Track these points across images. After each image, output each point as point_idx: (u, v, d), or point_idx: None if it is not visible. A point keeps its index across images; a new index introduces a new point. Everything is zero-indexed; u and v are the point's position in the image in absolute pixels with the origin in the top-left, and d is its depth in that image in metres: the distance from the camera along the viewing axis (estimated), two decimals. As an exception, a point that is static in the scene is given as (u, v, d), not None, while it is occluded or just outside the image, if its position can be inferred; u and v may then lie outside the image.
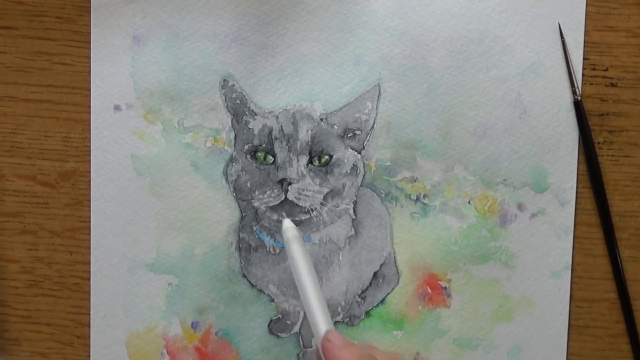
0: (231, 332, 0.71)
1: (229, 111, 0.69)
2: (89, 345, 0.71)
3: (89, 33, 0.69)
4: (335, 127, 0.68)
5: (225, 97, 0.69)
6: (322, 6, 0.67)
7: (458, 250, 0.69)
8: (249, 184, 0.69)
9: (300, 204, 0.69)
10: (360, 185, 0.69)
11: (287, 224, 0.67)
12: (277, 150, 0.68)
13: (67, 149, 0.70)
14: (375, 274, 0.70)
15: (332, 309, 0.69)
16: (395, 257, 0.69)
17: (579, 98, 0.66)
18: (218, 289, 0.70)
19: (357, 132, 0.68)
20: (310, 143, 0.68)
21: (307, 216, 0.69)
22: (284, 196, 0.68)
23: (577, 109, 0.67)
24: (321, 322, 0.62)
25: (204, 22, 0.68)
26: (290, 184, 0.68)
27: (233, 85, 0.68)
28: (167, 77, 0.69)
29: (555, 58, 0.67)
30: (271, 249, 0.70)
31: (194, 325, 0.71)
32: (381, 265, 0.70)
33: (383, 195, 0.69)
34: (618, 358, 0.70)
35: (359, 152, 0.68)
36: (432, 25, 0.67)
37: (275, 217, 0.69)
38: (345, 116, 0.68)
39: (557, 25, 0.67)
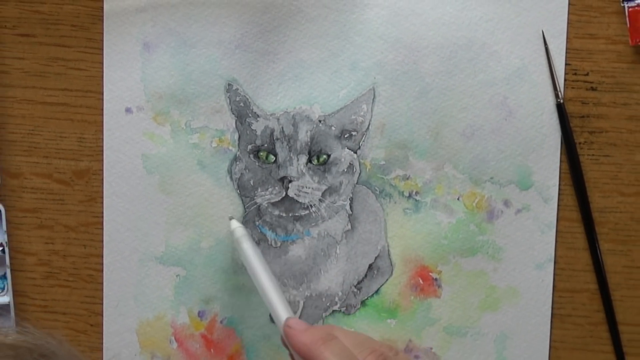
0: (235, 321, 0.71)
1: (233, 113, 0.69)
2: (102, 333, 0.71)
3: (102, 40, 0.69)
4: (333, 128, 0.69)
5: (230, 101, 0.69)
6: (321, 15, 0.68)
7: (448, 243, 0.69)
8: (251, 182, 0.69)
9: (300, 201, 0.69)
10: (356, 183, 0.69)
11: (235, 224, 0.68)
12: (278, 150, 0.69)
13: (81, 149, 0.70)
14: (370, 266, 0.70)
15: (329, 298, 0.70)
16: (389, 250, 0.70)
17: (561, 101, 0.67)
18: (223, 280, 0.71)
19: (353, 133, 0.69)
20: (309, 143, 0.69)
21: (307, 212, 0.69)
22: (284, 193, 0.69)
23: (559, 111, 0.67)
24: (281, 312, 0.63)
25: (209, 30, 0.68)
26: (290, 181, 0.69)
27: (237, 89, 0.69)
28: (176, 81, 0.69)
29: (539, 64, 0.68)
30: (273, 243, 0.70)
31: (201, 314, 0.71)
32: (376, 257, 0.70)
33: (378, 192, 0.69)
34: (598, 345, 0.70)
35: (355, 152, 0.69)
36: (423, 33, 0.68)
37: (276, 212, 0.69)
38: (342, 118, 0.69)
39: (541, 32, 0.67)
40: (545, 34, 0.67)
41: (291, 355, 0.62)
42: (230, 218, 0.69)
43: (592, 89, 0.68)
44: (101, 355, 0.72)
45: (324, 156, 0.68)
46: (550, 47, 0.67)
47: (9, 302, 0.70)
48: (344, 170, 0.69)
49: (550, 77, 0.68)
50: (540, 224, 0.69)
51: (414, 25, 0.68)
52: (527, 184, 0.69)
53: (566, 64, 0.68)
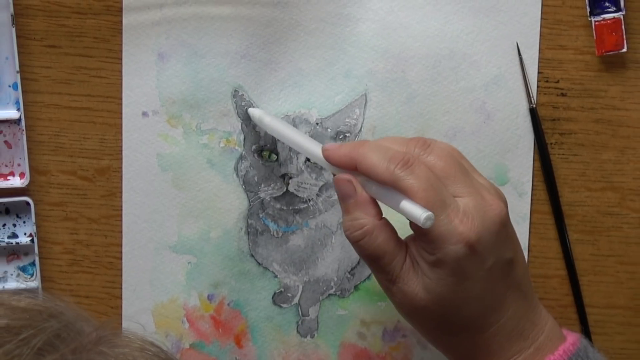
0: (241, 303, 0.71)
1: (239, 117, 0.69)
2: (121, 315, 0.71)
3: (121, 51, 0.69)
4: (329, 130, 0.69)
5: (236, 105, 0.69)
6: (318, 28, 0.68)
7: None
8: (255, 178, 0.70)
9: (299, 195, 0.70)
10: None
11: (252, 111, 0.68)
12: (279, 149, 0.69)
13: (102, 149, 0.70)
14: None
15: (326, 283, 0.71)
16: None
17: (534, 106, 0.68)
18: (230, 267, 0.71)
19: (347, 135, 0.69)
20: None
21: (305, 205, 0.70)
22: (285, 188, 0.69)
23: (532, 115, 0.68)
24: (314, 146, 0.62)
25: (218, 42, 0.69)
26: (290, 178, 0.69)
27: (242, 95, 0.69)
28: (187, 88, 0.69)
29: (514, 72, 0.68)
30: (275, 233, 0.71)
31: (210, 298, 0.71)
32: None
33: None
34: (567, 325, 0.68)
35: None
36: (410, 45, 0.68)
37: (278, 206, 0.70)
38: (337, 121, 0.69)
39: (516, 44, 0.68)
40: (519, 45, 0.68)
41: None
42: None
43: (562, 94, 0.69)
44: (125, 330, 0.72)
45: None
46: (524, 57, 0.68)
47: (37, 286, 0.70)
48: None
49: (524, 84, 0.68)
50: (515, 216, 0.68)
51: (402, 38, 0.68)
52: (504, 180, 0.69)
53: (539, 72, 0.69)
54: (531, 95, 0.68)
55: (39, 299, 0.46)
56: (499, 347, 0.58)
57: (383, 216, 0.59)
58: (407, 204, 0.55)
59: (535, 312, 0.60)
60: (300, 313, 0.72)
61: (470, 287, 0.57)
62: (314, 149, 0.62)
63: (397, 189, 0.56)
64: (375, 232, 0.58)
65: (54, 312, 0.45)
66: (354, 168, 0.59)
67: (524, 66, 0.68)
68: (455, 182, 0.57)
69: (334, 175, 0.61)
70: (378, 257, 0.58)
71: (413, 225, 0.57)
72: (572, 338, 0.60)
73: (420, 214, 0.54)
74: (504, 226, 0.58)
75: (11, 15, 0.67)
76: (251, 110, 0.68)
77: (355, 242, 0.58)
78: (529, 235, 0.70)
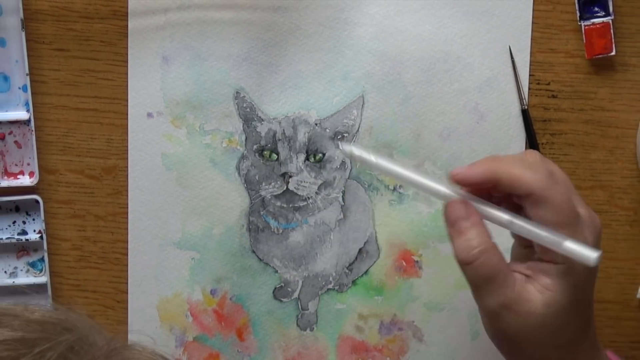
0: (243, 298, 0.72)
1: (241, 118, 0.70)
2: (127, 309, 0.72)
3: (127, 54, 0.69)
4: (327, 130, 0.70)
5: (238, 106, 0.70)
6: (317, 32, 0.69)
7: (428, 230, 0.70)
8: (257, 177, 0.70)
9: (299, 193, 0.70)
10: (348, 178, 0.70)
11: (346, 147, 0.58)
12: (280, 149, 0.70)
13: (109, 149, 0.70)
14: (360, 250, 0.71)
15: (325, 278, 0.71)
16: (376, 237, 0.71)
17: (526, 107, 0.68)
18: (232, 263, 0.71)
19: (345, 135, 0.70)
20: (307, 143, 0.70)
21: (305, 203, 0.70)
22: (285, 187, 0.70)
23: (524, 116, 0.68)
24: (438, 186, 0.56)
25: (220, 45, 0.69)
26: (290, 177, 0.70)
27: (244, 96, 0.69)
28: (190, 90, 0.69)
29: (506, 74, 0.69)
30: (275, 230, 0.71)
31: (213, 292, 0.72)
32: (365, 243, 0.71)
33: (366, 186, 0.70)
34: None
35: None
36: (406, 48, 0.69)
37: (278, 204, 0.70)
38: (336, 121, 0.70)
39: (508, 47, 0.68)
40: (511, 48, 0.68)
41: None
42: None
43: (553, 96, 0.69)
44: (126, 328, 0.72)
45: (320, 155, 0.69)
46: (516, 60, 0.68)
47: (46, 281, 0.71)
48: (337, 167, 0.70)
49: (516, 86, 0.69)
50: None
51: (398, 41, 0.69)
52: None
53: (530, 75, 0.69)
54: (523, 97, 0.69)
55: (52, 311, 0.46)
56: (590, 358, 0.57)
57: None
58: (571, 245, 0.52)
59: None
60: (299, 307, 0.72)
61: (584, 297, 0.55)
62: (437, 186, 0.56)
63: (542, 197, 0.53)
64: (492, 251, 0.54)
65: (68, 325, 0.45)
66: (493, 183, 0.54)
67: (516, 69, 0.68)
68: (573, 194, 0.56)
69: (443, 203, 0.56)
70: (492, 278, 0.54)
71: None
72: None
73: (589, 255, 0.52)
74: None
75: (21, 19, 0.68)
76: (347, 148, 0.57)
77: (470, 263, 0.54)
78: None
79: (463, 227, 0.55)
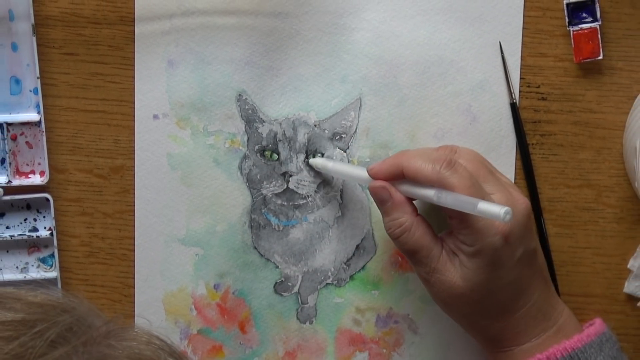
0: (245, 292, 0.72)
1: (243, 119, 0.70)
2: (134, 302, 0.72)
3: (134, 58, 0.69)
4: (326, 131, 0.70)
5: (240, 108, 0.70)
6: (316, 37, 0.69)
7: None
8: (258, 176, 0.70)
9: (299, 192, 0.70)
10: None
11: (316, 160, 0.69)
12: (280, 149, 0.70)
13: (116, 149, 0.70)
14: (357, 246, 0.71)
15: (323, 273, 0.71)
16: (373, 233, 0.71)
17: (515, 101, 0.68)
18: (234, 258, 0.71)
19: (343, 135, 0.70)
20: (306, 144, 0.70)
21: (304, 201, 0.71)
22: (286, 185, 0.70)
23: (513, 110, 0.69)
24: (357, 169, 0.65)
25: (223, 50, 0.69)
26: (291, 176, 0.70)
27: (246, 99, 0.70)
28: (195, 92, 0.70)
29: (497, 77, 0.69)
30: (276, 227, 0.71)
31: (216, 287, 0.72)
32: (362, 239, 0.71)
33: (364, 185, 0.70)
34: None
35: (345, 151, 0.70)
36: (401, 52, 0.69)
37: (279, 202, 0.70)
38: (334, 123, 0.70)
39: (499, 44, 0.68)
40: (503, 52, 0.68)
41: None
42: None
43: (543, 99, 0.69)
44: (133, 321, 0.71)
45: (319, 155, 0.70)
46: (508, 63, 0.68)
47: (56, 276, 0.71)
48: None
49: (507, 89, 0.69)
50: None
51: (394, 46, 0.69)
52: None
53: (521, 78, 0.69)
54: (514, 98, 0.69)
55: (54, 295, 0.46)
56: (526, 327, 0.63)
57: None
58: (484, 205, 0.57)
59: (554, 297, 0.65)
60: (299, 301, 0.72)
61: (504, 275, 0.61)
62: (359, 172, 0.65)
63: (442, 186, 0.59)
64: (413, 228, 0.62)
65: (67, 307, 0.45)
66: (400, 176, 0.62)
67: (507, 72, 0.69)
68: (485, 182, 0.62)
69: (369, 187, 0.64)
70: (416, 251, 0.62)
71: (454, 219, 0.61)
72: (599, 322, 0.64)
73: (499, 210, 0.56)
74: (530, 219, 0.63)
75: (32, 25, 0.68)
76: (313, 161, 0.69)
77: (396, 239, 0.62)
78: None
79: (387, 208, 0.62)
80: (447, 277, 0.62)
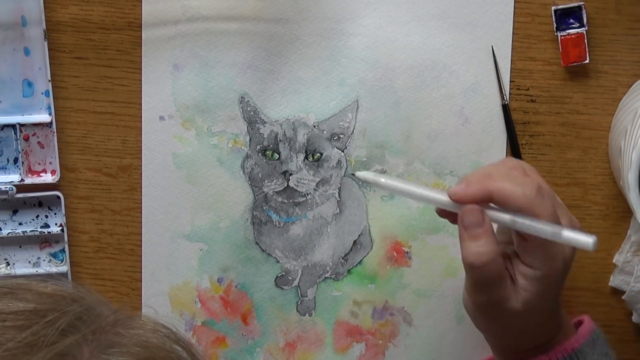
0: (247, 286, 0.72)
1: (245, 120, 0.70)
2: (141, 296, 0.72)
3: (141, 62, 0.69)
4: (325, 132, 0.70)
5: (243, 110, 0.70)
6: (315, 42, 0.69)
7: (417, 224, 0.71)
8: (260, 175, 0.71)
9: (299, 190, 0.71)
10: (344, 176, 0.71)
11: (360, 174, 0.60)
12: (281, 149, 0.70)
13: (124, 149, 0.71)
14: (354, 242, 0.71)
15: (322, 268, 0.71)
16: (369, 229, 0.71)
17: (507, 102, 0.69)
18: (237, 253, 0.72)
19: (341, 136, 0.70)
20: (306, 144, 0.70)
21: (304, 199, 0.71)
22: (286, 184, 0.70)
23: (504, 111, 0.69)
24: (436, 194, 0.57)
25: (226, 54, 0.69)
26: (291, 174, 0.70)
27: (248, 101, 0.70)
28: (199, 95, 0.70)
29: (489, 80, 0.69)
30: (277, 223, 0.71)
31: (219, 280, 0.72)
32: (359, 235, 0.71)
33: (360, 183, 0.71)
34: None
35: (343, 151, 0.70)
36: (397, 56, 0.69)
37: (280, 199, 0.71)
38: (332, 124, 0.70)
39: (492, 55, 0.69)
40: (495, 57, 0.69)
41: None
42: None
43: (532, 101, 0.70)
44: (140, 313, 0.66)
45: (318, 154, 0.70)
46: (499, 67, 0.68)
47: (67, 271, 0.71)
48: (333, 165, 0.70)
49: (498, 91, 0.69)
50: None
51: (389, 50, 0.69)
52: None
53: (511, 81, 0.69)
54: (505, 100, 0.69)
55: (63, 285, 0.46)
56: (544, 337, 0.60)
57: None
58: (570, 233, 0.54)
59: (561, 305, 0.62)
60: (299, 294, 0.72)
61: (556, 293, 0.59)
62: (438, 196, 0.58)
63: (531, 214, 0.55)
64: (499, 259, 0.56)
65: (76, 297, 0.46)
66: (485, 200, 0.56)
67: (498, 75, 0.69)
68: (555, 205, 0.57)
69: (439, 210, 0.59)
70: (494, 281, 0.56)
71: (527, 243, 0.56)
72: (588, 320, 0.63)
73: (587, 240, 0.54)
74: None
75: (44, 30, 0.68)
76: (362, 174, 0.60)
77: (480, 267, 0.56)
78: None
79: (476, 233, 0.56)
80: (508, 304, 0.57)
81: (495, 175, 0.56)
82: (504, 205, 0.56)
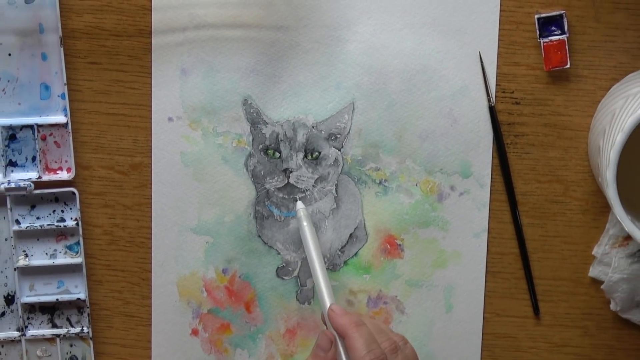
0: (250, 276, 0.72)
1: (248, 121, 0.70)
2: (151, 285, 0.72)
3: (151, 67, 0.69)
4: (323, 132, 0.70)
5: (246, 112, 0.70)
6: (313, 48, 0.69)
7: (409, 218, 0.71)
8: (262, 172, 0.71)
9: (298, 186, 0.71)
10: (340, 173, 0.71)
11: (300, 204, 0.67)
12: (282, 148, 0.70)
13: (135, 148, 0.71)
14: (350, 235, 0.71)
15: None
16: (364, 223, 0.71)
17: (493, 104, 0.69)
18: (241, 246, 0.72)
19: (338, 136, 0.70)
20: (305, 143, 0.70)
21: (303, 195, 0.71)
22: (286, 181, 0.71)
23: (491, 112, 0.69)
24: (327, 297, 0.64)
25: (230, 59, 0.69)
26: (291, 172, 0.70)
27: (251, 103, 0.70)
28: (205, 97, 0.70)
29: (476, 84, 0.69)
30: (278, 218, 0.71)
31: (224, 271, 0.72)
32: (355, 229, 0.71)
33: (356, 180, 0.71)
34: (520, 294, 0.72)
35: (339, 150, 0.70)
36: (390, 61, 0.69)
37: (280, 195, 0.71)
38: (330, 125, 0.70)
39: (479, 61, 0.69)
40: (482, 61, 0.68)
41: (324, 324, 0.64)
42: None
43: (517, 103, 0.70)
44: (150, 302, 0.72)
45: (316, 153, 0.70)
46: (485, 71, 0.68)
47: (81, 262, 0.71)
48: (331, 163, 0.70)
49: (485, 94, 0.69)
50: (477, 203, 0.70)
51: (383, 56, 0.69)
52: (468, 173, 0.70)
53: (497, 85, 0.69)
54: (492, 102, 0.69)
55: None
56: None
57: None
58: None
59: None
60: (299, 284, 0.72)
61: None
62: (325, 299, 0.64)
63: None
64: None
65: None
66: (342, 336, 0.62)
67: (485, 79, 0.69)
68: None
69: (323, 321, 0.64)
70: None
71: None
72: None
73: None
74: None
75: (60, 37, 0.69)
76: (298, 204, 0.68)
77: None
78: (489, 220, 0.71)
79: (319, 354, 0.62)
80: None
81: (364, 330, 0.61)
82: (348, 352, 0.61)
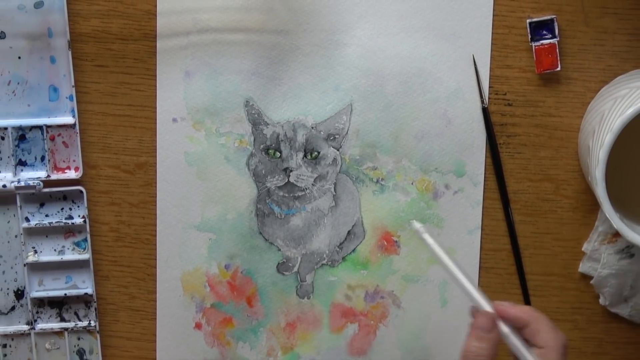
0: (251, 271, 0.72)
1: (250, 122, 0.71)
2: (155, 280, 0.73)
3: (156, 70, 0.70)
4: (322, 132, 0.71)
5: (247, 113, 0.70)
6: (313, 51, 0.69)
7: (405, 216, 0.71)
8: (263, 171, 0.71)
9: (298, 185, 0.71)
10: (339, 172, 0.71)
11: (416, 224, 0.60)
12: (282, 148, 0.70)
13: (141, 148, 0.71)
14: (348, 232, 0.72)
15: (319, 255, 0.72)
16: (362, 221, 0.72)
17: (486, 106, 0.69)
18: (243, 242, 0.72)
19: (337, 136, 0.71)
20: (304, 144, 0.70)
21: (303, 193, 0.71)
22: (287, 179, 0.71)
23: (484, 113, 0.69)
24: (483, 302, 0.58)
25: (233, 62, 0.69)
26: (291, 171, 0.71)
27: (252, 104, 0.70)
28: (208, 99, 0.70)
29: (470, 86, 0.69)
30: (278, 215, 0.72)
31: (227, 267, 0.72)
32: (353, 226, 0.72)
33: (354, 179, 0.71)
34: (512, 289, 0.72)
35: (338, 150, 0.71)
36: (387, 64, 0.69)
37: (281, 193, 0.71)
38: (328, 125, 0.71)
39: (473, 63, 0.69)
40: (476, 64, 0.69)
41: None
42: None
43: (509, 104, 0.70)
44: (155, 296, 0.73)
45: (316, 153, 0.70)
46: (479, 73, 0.69)
47: (89, 258, 0.72)
48: (329, 163, 0.71)
49: (479, 96, 0.69)
50: (471, 201, 0.71)
51: (380, 59, 0.69)
52: (462, 172, 0.71)
53: (490, 87, 0.69)
54: (485, 104, 0.69)
55: None
56: None
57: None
58: None
59: None
60: (299, 279, 0.73)
61: None
62: (482, 303, 0.58)
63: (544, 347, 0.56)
64: None
65: None
66: (522, 326, 0.57)
67: (479, 81, 0.69)
68: None
69: (473, 307, 0.59)
70: None
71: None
72: None
73: None
74: None
75: (68, 41, 0.69)
76: (414, 224, 0.61)
77: None
78: (482, 217, 0.71)
79: (481, 336, 0.57)
80: None
81: (544, 317, 0.58)
82: (532, 337, 0.57)
